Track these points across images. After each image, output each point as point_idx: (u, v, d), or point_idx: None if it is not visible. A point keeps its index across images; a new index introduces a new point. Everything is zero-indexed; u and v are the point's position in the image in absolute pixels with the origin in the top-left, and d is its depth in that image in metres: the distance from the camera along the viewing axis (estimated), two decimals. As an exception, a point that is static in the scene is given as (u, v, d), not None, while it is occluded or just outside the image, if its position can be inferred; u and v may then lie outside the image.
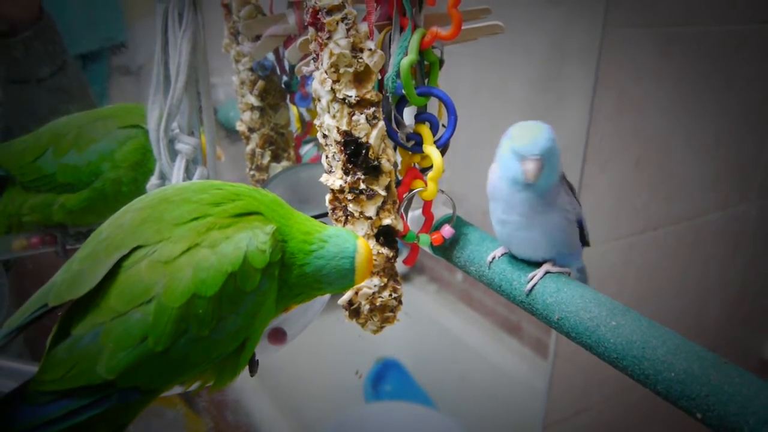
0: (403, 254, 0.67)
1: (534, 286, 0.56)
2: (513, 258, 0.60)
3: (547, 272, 0.57)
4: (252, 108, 0.84)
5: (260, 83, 0.83)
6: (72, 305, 0.46)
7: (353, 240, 0.52)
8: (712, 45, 1.15)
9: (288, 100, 0.87)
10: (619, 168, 1.14)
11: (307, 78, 0.80)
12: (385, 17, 0.60)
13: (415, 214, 0.68)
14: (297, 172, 0.77)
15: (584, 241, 0.62)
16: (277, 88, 0.85)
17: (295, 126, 0.88)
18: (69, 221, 0.78)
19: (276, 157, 0.86)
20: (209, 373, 0.50)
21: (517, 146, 0.53)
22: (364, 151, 0.57)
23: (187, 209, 0.48)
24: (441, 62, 0.62)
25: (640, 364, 0.46)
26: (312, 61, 0.59)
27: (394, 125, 0.62)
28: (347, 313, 0.64)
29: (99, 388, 0.44)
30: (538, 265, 0.58)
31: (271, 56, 0.84)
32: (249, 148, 0.87)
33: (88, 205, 0.76)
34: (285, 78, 0.85)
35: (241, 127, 0.86)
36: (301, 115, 0.88)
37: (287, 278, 0.50)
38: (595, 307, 0.51)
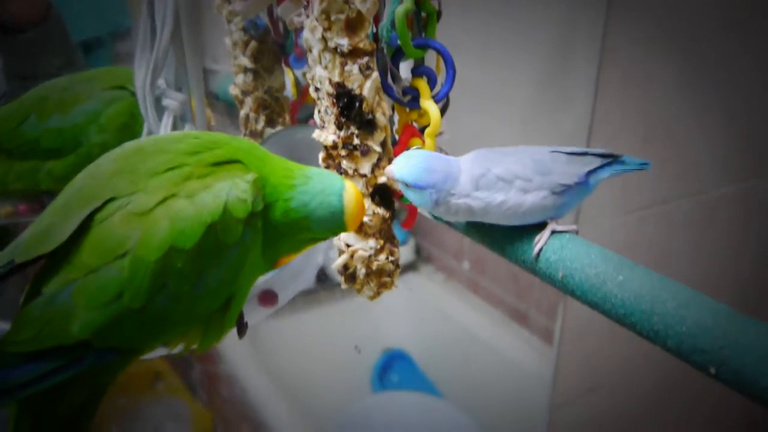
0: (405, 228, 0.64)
1: (541, 249, 0.52)
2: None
3: (553, 232, 0.53)
4: (245, 70, 0.81)
5: (253, 44, 0.79)
6: (45, 263, 0.43)
7: (340, 179, 0.50)
8: (721, 14, 1.12)
9: (283, 63, 0.84)
10: (626, 143, 1.11)
11: (300, 31, 0.77)
12: (379, -38, 0.57)
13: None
14: (292, 133, 0.74)
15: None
16: (271, 50, 0.82)
17: (290, 91, 0.86)
18: (56, 188, 0.75)
19: (271, 122, 0.83)
20: (193, 333, 0.48)
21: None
22: (357, 104, 0.54)
23: (163, 159, 0.45)
24: (439, 14, 0.59)
25: (648, 319, 0.43)
26: (303, 10, 0.56)
27: (389, 79, 0.59)
28: (343, 278, 0.61)
29: (73, 349, 0.42)
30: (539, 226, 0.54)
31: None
32: (243, 112, 0.84)
33: (74, 171, 0.73)
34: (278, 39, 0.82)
35: (234, 90, 0.83)
36: (296, 79, 0.85)
37: (271, 217, 0.47)
38: (601, 263, 0.48)
